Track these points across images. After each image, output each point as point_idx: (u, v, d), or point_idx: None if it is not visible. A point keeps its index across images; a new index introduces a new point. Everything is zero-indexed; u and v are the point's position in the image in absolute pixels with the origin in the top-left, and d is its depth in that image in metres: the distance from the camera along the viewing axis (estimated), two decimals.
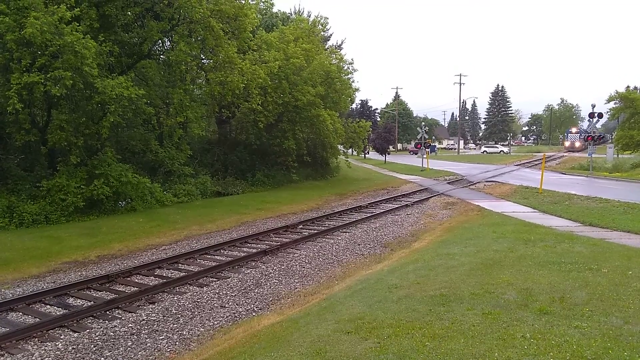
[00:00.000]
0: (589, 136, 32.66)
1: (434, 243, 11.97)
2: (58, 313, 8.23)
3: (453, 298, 6.66)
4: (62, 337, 7.26)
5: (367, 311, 6.55)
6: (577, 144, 74.62)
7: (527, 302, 6.27)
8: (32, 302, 8.75)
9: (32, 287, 9.78)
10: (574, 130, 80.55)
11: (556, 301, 6.27)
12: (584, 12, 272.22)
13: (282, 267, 11.04)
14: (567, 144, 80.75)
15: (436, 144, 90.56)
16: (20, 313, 8.34)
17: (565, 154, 68.00)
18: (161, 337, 7.33)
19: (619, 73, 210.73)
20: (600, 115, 33.92)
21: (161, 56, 22.95)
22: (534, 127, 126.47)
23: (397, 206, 19.85)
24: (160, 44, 23.34)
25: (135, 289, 9.40)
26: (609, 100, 42.86)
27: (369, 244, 13.35)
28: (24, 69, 15.04)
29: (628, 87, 47.64)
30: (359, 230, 15.14)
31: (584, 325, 5.38)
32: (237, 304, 8.74)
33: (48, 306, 8.70)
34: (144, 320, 7.89)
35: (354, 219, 16.81)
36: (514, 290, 6.79)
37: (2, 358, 6.66)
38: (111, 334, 7.35)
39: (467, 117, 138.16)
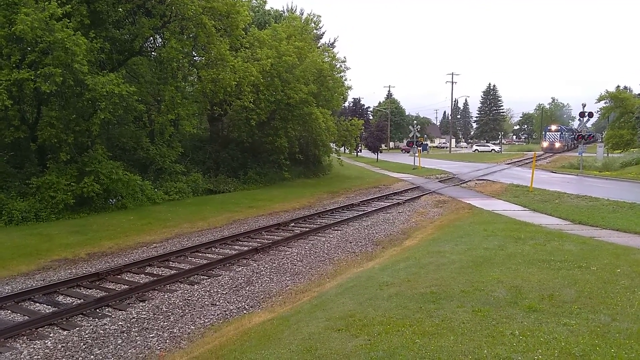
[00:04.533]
0: (579, 135, 32.92)
1: (425, 241, 12.02)
2: (47, 311, 8.17)
3: (443, 295, 6.69)
4: (51, 335, 7.22)
5: (358, 309, 6.56)
6: (557, 145, 64.90)
7: (516, 300, 6.31)
8: (21, 300, 8.69)
9: (21, 285, 9.71)
10: (553, 128, 68.09)
11: (545, 299, 6.32)
12: (577, 11, 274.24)
13: (274, 264, 11.03)
14: (544, 144, 67.02)
15: (428, 142, 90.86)
16: (9, 311, 8.27)
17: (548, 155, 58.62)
18: (151, 335, 7.31)
19: (610, 73, 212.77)
20: (590, 115, 34.26)
21: (152, 53, 22.82)
22: (525, 126, 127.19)
23: (388, 204, 19.90)
24: (152, 41, 23.20)
25: (126, 286, 9.36)
26: (599, 100, 43.31)
27: (360, 242, 13.37)
28: (14, 65, 14.90)
29: (618, 86, 48.20)
30: (351, 228, 15.16)
31: (573, 323, 5.43)
32: (228, 302, 8.73)
33: (37, 304, 8.64)
34: (134, 318, 7.86)
35: (346, 217, 16.83)
36: (504, 288, 6.83)
37: None
38: (101, 331, 7.32)
39: (459, 116, 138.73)
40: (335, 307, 6.85)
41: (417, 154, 41.16)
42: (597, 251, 9.24)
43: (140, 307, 8.32)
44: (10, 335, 7.09)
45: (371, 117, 73.99)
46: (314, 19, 33.83)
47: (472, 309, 6.05)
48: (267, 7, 37.52)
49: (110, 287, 9.55)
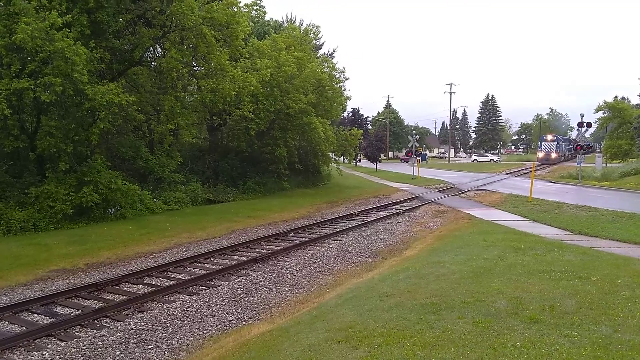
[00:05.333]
0: (577, 145, 32.98)
1: (425, 251, 11.99)
2: (45, 322, 8.11)
3: (444, 306, 6.66)
4: (49, 346, 7.16)
5: (358, 320, 6.53)
6: (554, 155, 61.24)
7: (517, 311, 6.29)
8: (19, 311, 8.62)
9: (19, 296, 9.64)
10: (549, 137, 64.97)
11: (546, 310, 6.29)
12: (574, 22, 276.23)
13: (273, 275, 10.98)
14: (540, 154, 62.56)
15: (427, 152, 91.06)
16: (7, 322, 8.20)
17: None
18: (150, 347, 7.25)
19: (609, 80, 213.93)
20: (589, 125, 34.29)
21: (152, 63, 22.89)
22: (524, 136, 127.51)
23: (388, 214, 19.87)
24: (152, 51, 23.27)
25: (124, 297, 9.30)
26: (597, 110, 43.57)
27: (360, 252, 13.33)
28: (14, 74, 14.93)
29: (616, 97, 48.51)
30: (350, 238, 15.12)
31: (574, 334, 5.40)
32: (227, 313, 8.68)
33: (35, 315, 8.58)
34: (132, 329, 7.80)
35: (345, 227, 16.79)
36: (505, 299, 6.80)
37: None
38: (99, 343, 7.26)
39: (457, 126, 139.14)
40: (335, 318, 6.81)
41: (416, 164, 41.22)
42: (597, 262, 9.23)
43: (139, 318, 8.27)
44: (8, 346, 7.02)
45: (370, 127, 74.23)
46: (313, 29, 34.13)
47: (472, 320, 6.02)
48: (267, 18, 37.74)
49: (108, 297, 9.49)
